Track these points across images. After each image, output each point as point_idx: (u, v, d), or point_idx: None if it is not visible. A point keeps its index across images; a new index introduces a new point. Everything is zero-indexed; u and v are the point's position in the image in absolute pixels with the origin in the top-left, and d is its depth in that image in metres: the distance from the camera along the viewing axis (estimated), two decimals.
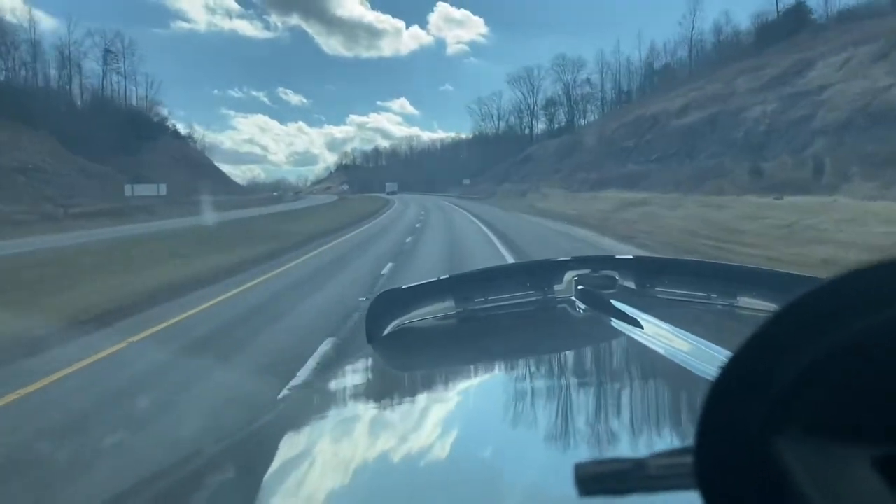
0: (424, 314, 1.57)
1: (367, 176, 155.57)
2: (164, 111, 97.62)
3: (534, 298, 1.66)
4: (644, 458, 0.50)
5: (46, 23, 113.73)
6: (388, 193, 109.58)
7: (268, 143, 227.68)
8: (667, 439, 0.77)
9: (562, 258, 1.76)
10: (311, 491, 0.72)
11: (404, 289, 1.58)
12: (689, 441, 0.43)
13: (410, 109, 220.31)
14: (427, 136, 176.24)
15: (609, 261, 1.78)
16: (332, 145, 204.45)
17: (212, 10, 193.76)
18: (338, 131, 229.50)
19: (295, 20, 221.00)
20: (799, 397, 0.42)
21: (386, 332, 1.49)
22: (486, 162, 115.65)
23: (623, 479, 0.50)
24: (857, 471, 0.40)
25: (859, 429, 0.41)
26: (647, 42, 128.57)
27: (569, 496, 0.51)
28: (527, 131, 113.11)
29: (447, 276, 1.68)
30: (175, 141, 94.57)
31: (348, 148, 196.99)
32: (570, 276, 1.67)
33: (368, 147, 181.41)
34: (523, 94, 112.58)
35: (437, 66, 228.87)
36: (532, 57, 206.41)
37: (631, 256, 1.89)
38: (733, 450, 0.42)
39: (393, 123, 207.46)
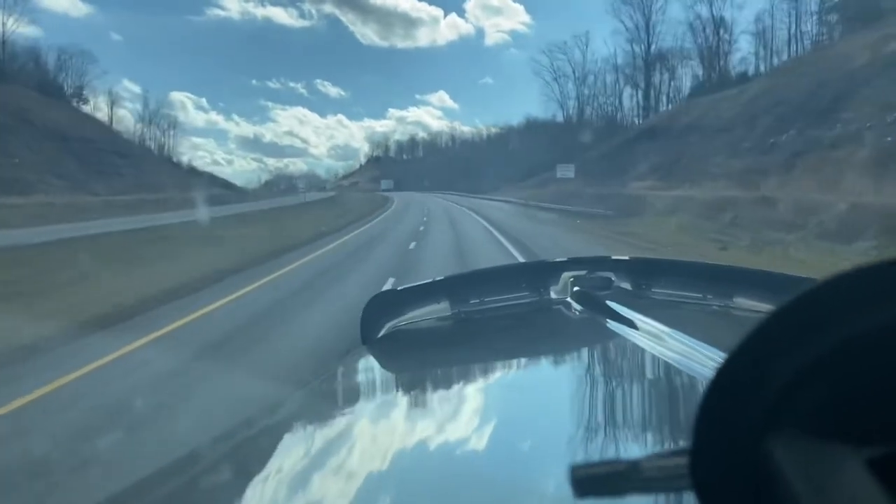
0: (419, 316, 1.53)
1: (402, 169, 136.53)
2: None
3: (529, 300, 1.61)
4: (639, 460, 0.48)
5: None
6: (383, 191, 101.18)
7: (308, 135, 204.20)
8: (662, 440, 0.75)
9: (558, 259, 1.72)
10: (307, 493, 0.71)
11: (399, 290, 1.55)
12: (685, 442, 0.42)
13: (450, 103, 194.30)
14: (469, 130, 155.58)
15: (605, 262, 1.74)
16: (373, 139, 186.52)
17: None
18: (378, 125, 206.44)
19: (329, 8, 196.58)
20: (794, 398, 0.41)
21: (381, 333, 1.45)
22: (558, 148, 70.44)
23: (619, 481, 0.48)
24: (852, 471, 0.38)
25: (854, 429, 0.40)
26: None
27: (564, 498, 0.50)
28: (639, 93, 65.21)
29: (442, 277, 1.63)
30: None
31: (378, 132, 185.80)
32: (566, 277, 1.62)
33: (405, 138, 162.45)
34: (636, 28, 63.96)
35: (477, 58, 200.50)
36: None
37: (627, 257, 1.83)
38: (728, 451, 0.41)
39: (433, 118, 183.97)
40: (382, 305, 1.48)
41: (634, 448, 0.66)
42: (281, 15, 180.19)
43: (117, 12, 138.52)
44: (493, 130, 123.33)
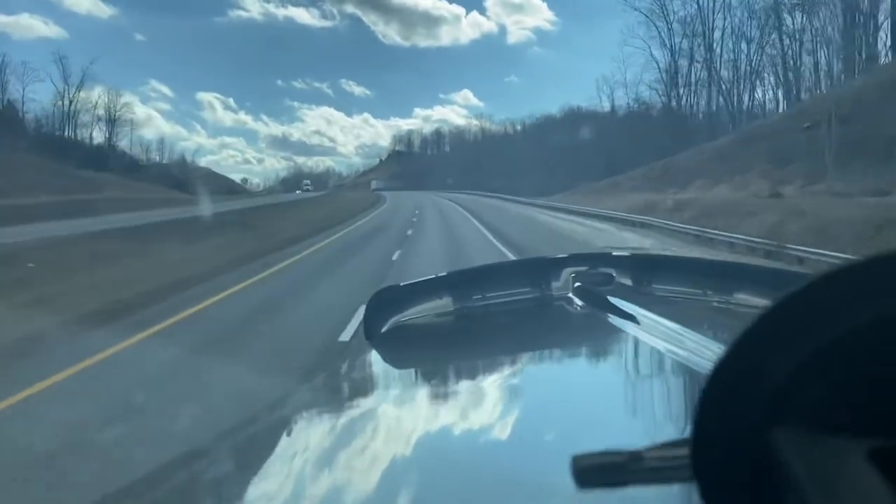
0: (422, 311, 1.51)
1: (424, 165, 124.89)
2: None
3: (531, 295, 1.59)
4: (641, 450, 0.48)
5: None
6: (374, 190, 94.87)
7: (336, 134, 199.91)
8: (664, 432, 0.73)
9: (559, 255, 1.71)
10: (311, 488, 0.71)
11: (402, 286, 1.54)
12: (686, 434, 0.42)
13: (475, 102, 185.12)
14: (500, 125, 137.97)
15: (606, 258, 1.73)
16: (399, 137, 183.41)
17: None
18: (404, 124, 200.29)
19: (350, 8, 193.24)
20: (794, 390, 0.40)
21: (384, 329, 1.43)
22: (658, 129, 42.93)
23: (620, 471, 0.48)
24: (853, 463, 0.38)
25: (855, 421, 0.40)
26: None
27: (567, 488, 0.50)
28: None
29: (445, 273, 1.61)
30: None
31: (404, 131, 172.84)
32: (567, 273, 1.60)
33: (430, 130, 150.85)
34: None
35: (501, 56, 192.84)
36: (609, 48, 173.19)
37: (628, 254, 1.84)
38: (729, 442, 0.40)
39: (459, 116, 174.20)
40: (386, 301, 1.46)
41: (636, 439, 0.64)
42: (303, 15, 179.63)
43: (140, 14, 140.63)
44: (528, 122, 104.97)
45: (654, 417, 0.82)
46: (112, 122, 72.37)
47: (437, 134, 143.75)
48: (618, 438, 0.67)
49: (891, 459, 0.38)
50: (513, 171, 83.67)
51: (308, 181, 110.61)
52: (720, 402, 0.40)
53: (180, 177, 77.59)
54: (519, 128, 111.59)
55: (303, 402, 1.16)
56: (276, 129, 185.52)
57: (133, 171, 67.42)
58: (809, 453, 0.39)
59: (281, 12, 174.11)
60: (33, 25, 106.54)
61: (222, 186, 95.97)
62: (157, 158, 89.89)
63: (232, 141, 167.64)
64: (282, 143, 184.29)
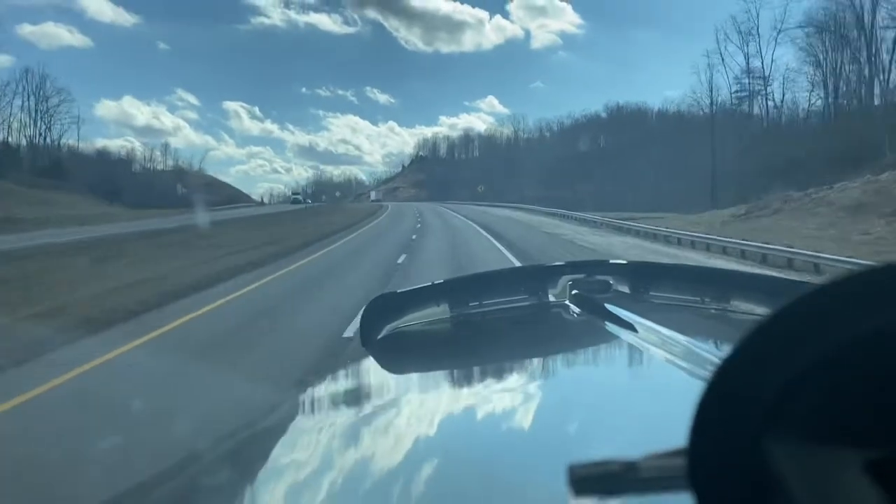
0: (419, 318, 1.51)
1: (450, 172, 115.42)
2: None
3: (528, 303, 1.60)
4: (637, 460, 0.48)
5: None
6: (372, 202, 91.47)
7: (361, 142, 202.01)
8: (660, 442, 0.70)
9: (556, 263, 1.71)
10: (307, 493, 0.71)
11: (399, 293, 1.54)
12: (682, 443, 0.41)
13: (500, 108, 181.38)
14: (535, 127, 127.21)
15: (604, 265, 1.73)
16: (423, 142, 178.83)
17: (287, 3, 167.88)
18: (429, 132, 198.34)
19: (371, 14, 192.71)
20: (791, 401, 0.40)
21: (381, 335, 1.43)
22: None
23: (616, 481, 0.47)
24: (849, 474, 0.38)
25: (851, 432, 0.39)
26: None
27: (562, 497, 0.49)
28: None
29: (442, 280, 1.63)
30: None
31: (429, 134, 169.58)
32: (564, 280, 1.61)
33: (456, 134, 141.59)
34: None
35: (525, 61, 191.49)
36: (637, 52, 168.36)
37: (625, 261, 1.83)
38: (725, 452, 0.40)
39: (485, 123, 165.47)
40: (382, 308, 1.45)
41: (632, 449, 0.63)
42: (324, 21, 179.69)
43: (163, 22, 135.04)
44: (567, 123, 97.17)
45: (651, 426, 0.79)
46: (42, 115, 54.40)
47: (466, 138, 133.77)
48: (614, 447, 0.66)
49: (888, 470, 0.37)
50: (557, 180, 66.15)
51: (299, 192, 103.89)
52: (718, 411, 0.40)
53: (121, 184, 59.80)
54: (556, 129, 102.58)
55: (297, 409, 1.14)
56: (303, 137, 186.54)
57: (53, 177, 49.50)
58: (805, 464, 0.39)
59: (302, 19, 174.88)
60: (58, 34, 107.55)
61: (223, 196, 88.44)
62: (161, 165, 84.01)
63: (259, 150, 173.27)
64: (308, 152, 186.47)
